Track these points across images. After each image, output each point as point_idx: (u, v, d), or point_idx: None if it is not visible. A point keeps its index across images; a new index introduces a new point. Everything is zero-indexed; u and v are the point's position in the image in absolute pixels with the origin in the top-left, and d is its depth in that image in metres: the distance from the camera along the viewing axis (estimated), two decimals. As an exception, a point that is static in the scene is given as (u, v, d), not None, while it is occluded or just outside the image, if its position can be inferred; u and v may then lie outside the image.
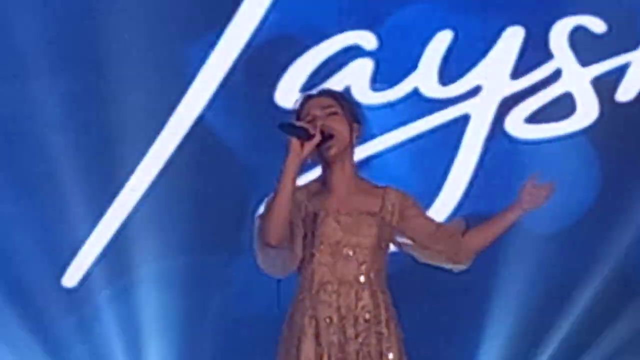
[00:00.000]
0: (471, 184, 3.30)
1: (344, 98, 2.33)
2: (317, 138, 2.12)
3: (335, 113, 2.23)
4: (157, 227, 3.31)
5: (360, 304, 2.33)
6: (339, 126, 2.23)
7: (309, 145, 2.12)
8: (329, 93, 2.33)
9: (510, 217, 2.44)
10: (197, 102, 3.33)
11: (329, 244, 2.25)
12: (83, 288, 3.29)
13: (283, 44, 3.34)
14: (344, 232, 2.26)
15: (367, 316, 2.32)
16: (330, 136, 2.13)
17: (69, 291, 3.33)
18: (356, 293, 2.33)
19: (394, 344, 2.32)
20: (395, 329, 2.33)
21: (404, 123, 3.29)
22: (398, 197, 2.35)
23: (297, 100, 2.31)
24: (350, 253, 2.28)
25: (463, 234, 2.42)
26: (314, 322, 2.31)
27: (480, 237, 2.46)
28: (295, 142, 2.11)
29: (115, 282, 3.33)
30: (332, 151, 2.16)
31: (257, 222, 2.25)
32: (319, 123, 2.15)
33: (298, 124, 2.16)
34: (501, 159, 3.28)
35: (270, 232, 2.22)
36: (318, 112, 2.21)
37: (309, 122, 2.16)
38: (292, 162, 2.17)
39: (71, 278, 3.33)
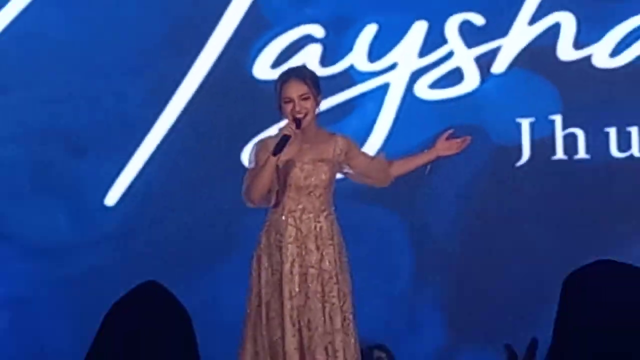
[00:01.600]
0: (391, 131, 4.54)
1: (312, 79, 3.40)
2: (294, 137, 3.23)
3: (307, 98, 3.33)
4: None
5: (319, 225, 3.48)
6: (310, 106, 3.33)
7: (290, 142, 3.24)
8: (301, 78, 3.34)
9: (426, 158, 3.69)
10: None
11: (295, 186, 3.44)
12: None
13: (261, 30, 4.56)
14: (306, 177, 3.43)
15: (325, 234, 3.48)
16: (305, 116, 3.27)
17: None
18: (315, 217, 3.48)
19: (343, 250, 3.51)
20: (340, 238, 3.51)
21: (343, 89, 4.48)
22: (344, 142, 3.53)
23: (278, 80, 3.38)
24: (311, 190, 3.44)
25: (389, 164, 3.67)
26: (282, 239, 3.44)
27: (402, 169, 3.73)
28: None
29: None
30: (304, 124, 3.30)
31: (246, 179, 3.38)
32: (296, 109, 3.25)
33: (281, 135, 3.22)
34: (411, 114, 4.54)
35: (254, 197, 3.39)
36: (295, 97, 3.29)
37: (286, 102, 3.28)
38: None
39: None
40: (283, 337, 3.55)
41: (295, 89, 3.34)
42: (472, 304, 4.54)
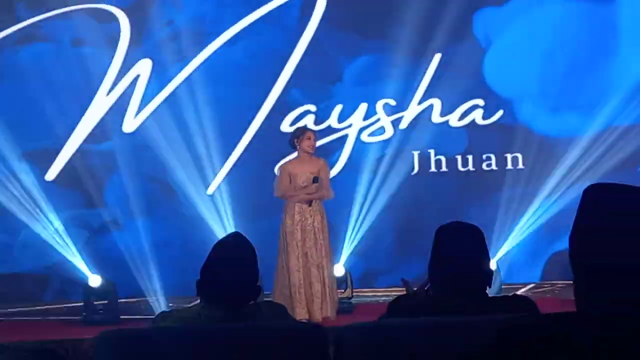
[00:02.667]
0: (349, 158, 8.61)
1: (315, 131, 7.13)
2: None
3: (315, 139, 6.74)
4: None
5: (313, 207, 6.80)
6: (314, 144, 6.70)
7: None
8: (313, 131, 6.99)
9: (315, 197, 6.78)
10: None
11: (299, 187, 6.66)
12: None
13: (284, 107, 8.71)
14: (303, 182, 6.59)
15: (314, 209, 6.76)
16: (312, 149, 6.74)
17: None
18: (310, 202, 6.76)
19: (325, 216, 6.71)
20: (323, 210, 6.69)
21: (326, 136, 8.34)
22: (323, 164, 6.83)
23: (300, 128, 7.06)
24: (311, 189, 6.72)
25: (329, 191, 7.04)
26: (292, 212, 6.66)
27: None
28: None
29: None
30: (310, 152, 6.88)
31: (276, 185, 6.81)
32: (312, 143, 6.66)
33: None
34: (359, 150, 8.57)
35: (286, 199, 6.88)
36: (312, 137, 6.62)
37: (308, 139, 6.62)
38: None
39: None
40: (288, 262, 6.64)
41: (312, 135, 6.79)
42: (411, 232, 8.38)
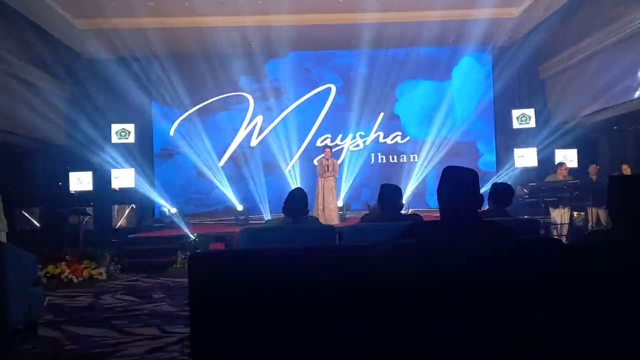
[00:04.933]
0: (345, 158, 20.23)
1: (329, 147, 18.26)
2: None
3: (329, 152, 16.61)
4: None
5: (329, 178, 16.63)
6: (327, 155, 16.14)
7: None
8: (326, 147, 17.78)
9: (330, 175, 17.08)
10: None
11: (322, 170, 16.65)
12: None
13: (320, 135, 20.78)
14: (324, 170, 16.15)
15: (330, 178, 17.95)
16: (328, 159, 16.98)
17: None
18: (328, 178, 16.59)
19: (336, 184, 17.74)
20: (335, 180, 18.06)
21: (334, 148, 19.69)
22: (334, 161, 17.34)
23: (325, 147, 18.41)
24: (327, 172, 16.40)
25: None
26: (321, 180, 18.07)
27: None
28: None
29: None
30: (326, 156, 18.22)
31: (318, 171, 17.92)
32: (328, 153, 17.56)
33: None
34: (353, 155, 19.73)
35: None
36: (326, 150, 16.14)
37: (324, 153, 17.94)
38: None
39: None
40: (317, 199, 16.46)
41: (327, 150, 16.70)
42: (370, 187, 19.05)
